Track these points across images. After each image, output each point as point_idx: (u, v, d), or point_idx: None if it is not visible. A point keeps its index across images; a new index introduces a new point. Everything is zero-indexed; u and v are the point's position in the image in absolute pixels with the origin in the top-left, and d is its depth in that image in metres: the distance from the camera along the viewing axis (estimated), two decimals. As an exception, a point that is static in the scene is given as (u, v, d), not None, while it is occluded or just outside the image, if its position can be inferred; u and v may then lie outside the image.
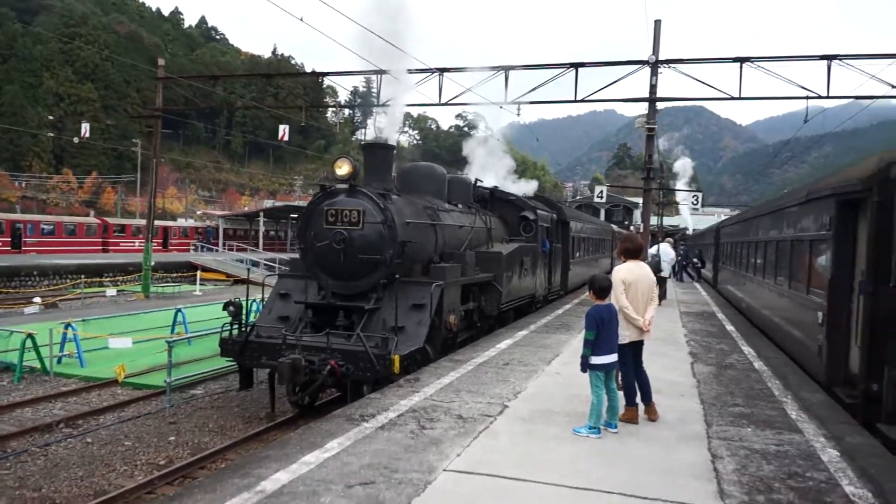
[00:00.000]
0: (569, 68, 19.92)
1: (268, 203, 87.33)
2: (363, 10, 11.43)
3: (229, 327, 9.40)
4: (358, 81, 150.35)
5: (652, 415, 6.29)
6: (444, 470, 4.70)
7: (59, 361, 12.34)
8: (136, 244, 44.03)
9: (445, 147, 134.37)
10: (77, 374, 11.97)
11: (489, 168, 22.79)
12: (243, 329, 9.53)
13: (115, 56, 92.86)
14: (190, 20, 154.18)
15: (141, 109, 76.47)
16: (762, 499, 4.34)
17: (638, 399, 6.32)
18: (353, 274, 9.70)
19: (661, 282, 20.08)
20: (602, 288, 5.98)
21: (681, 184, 62.70)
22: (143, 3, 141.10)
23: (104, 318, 14.81)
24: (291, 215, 52.58)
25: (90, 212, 67.14)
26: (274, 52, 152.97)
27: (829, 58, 18.65)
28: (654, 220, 37.48)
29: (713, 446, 5.48)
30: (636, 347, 6.39)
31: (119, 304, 22.03)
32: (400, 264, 9.87)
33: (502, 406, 6.56)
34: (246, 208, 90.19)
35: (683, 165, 64.83)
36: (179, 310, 15.16)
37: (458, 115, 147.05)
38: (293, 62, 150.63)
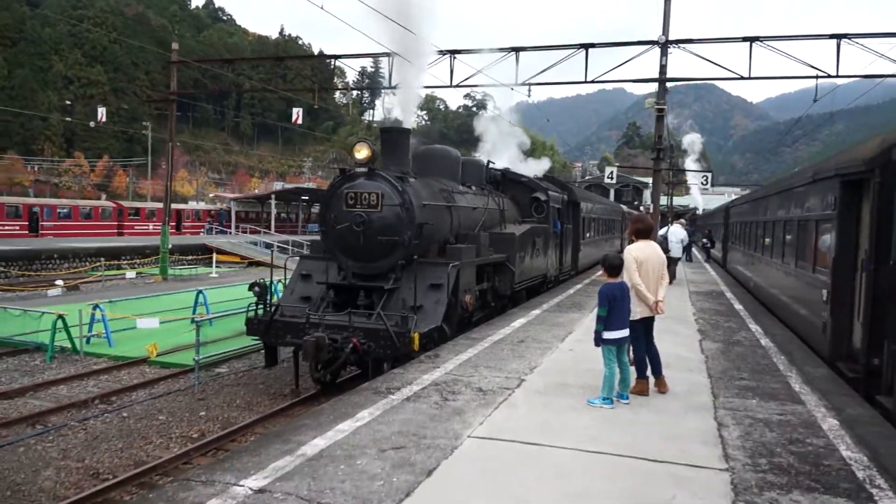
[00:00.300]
0: (579, 49, 20.06)
1: (278, 185, 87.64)
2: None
3: (255, 307, 9.80)
4: (366, 62, 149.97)
5: (662, 387, 6.64)
6: (469, 436, 5.08)
7: (87, 342, 12.80)
8: (151, 227, 44.57)
9: (454, 127, 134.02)
10: (106, 353, 12.45)
11: (500, 148, 23.12)
12: (268, 309, 9.94)
13: (124, 38, 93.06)
14: (197, 1, 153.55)
15: (152, 93, 76.60)
16: (764, 462, 4.69)
17: (649, 372, 6.66)
18: (372, 255, 10.04)
19: (671, 262, 20.69)
20: (614, 266, 6.30)
21: (690, 160, 62.64)
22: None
23: (128, 300, 15.25)
24: (303, 197, 52.97)
25: (101, 195, 67.75)
26: (281, 32, 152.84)
27: (839, 37, 18.72)
28: (663, 200, 37.54)
29: (719, 416, 5.83)
30: (647, 323, 6.72)
31: (138, 287, 22.48)
32: (417, 245, 10.20)
33: (519, 380, 6.93)
34: (256, 191, 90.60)
35: (692, 141, 64.59)
36: (200, 291, 15.59)
37: (467, 95, 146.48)
38: (301, 42, 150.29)
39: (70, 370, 11.36)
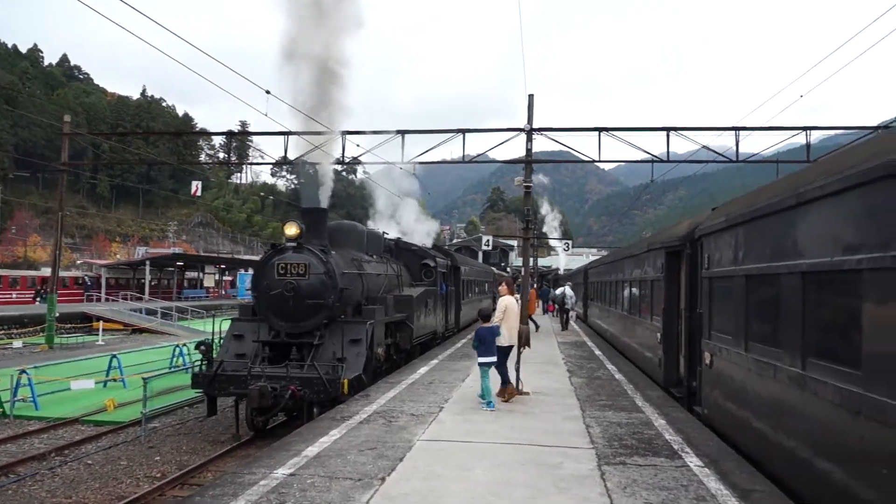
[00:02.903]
0: (457, 133, 23.03)
1: (140, 250, 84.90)
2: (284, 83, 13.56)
3: (200, 363, 11.24)
4: (234, 125, 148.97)
5: (512, 393, 9.79)
6: (418, 440, 7.09)
7: (12, 406, 13.39)
8: (14, 296, 42.59)
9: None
10: (34, 415, 13.12)
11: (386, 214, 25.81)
12: (202, 365, 11.35)
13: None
14: (51, 58, 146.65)
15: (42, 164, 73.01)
16: (616, 443, 7.07)
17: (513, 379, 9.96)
18: (301, 316, 11.81)
19: (566, 311, 25.99)
20: (486, 316, 9.97)
21: (550, 223, 69.02)
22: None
23: (47, 365, 15.76)
24: (177, 263, 52.43)
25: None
26: (143, 92, 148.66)
27: (668, 129, 22.92)
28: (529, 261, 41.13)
29: (586, 421, 8.22)
30: (506, 350, 9.98)
31: (25, 356, 22.34)
32: (339, 307, 12.12)
33: (439, 407, 9.01)
34: (118, 256, 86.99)
35: (552, 215, 72.04)
36: (114, 356, 16.39)
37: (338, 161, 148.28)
38: (164, 104, 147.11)
39: (7, 432, 12.02)
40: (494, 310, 10.37)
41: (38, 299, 42.98)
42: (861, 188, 4.58)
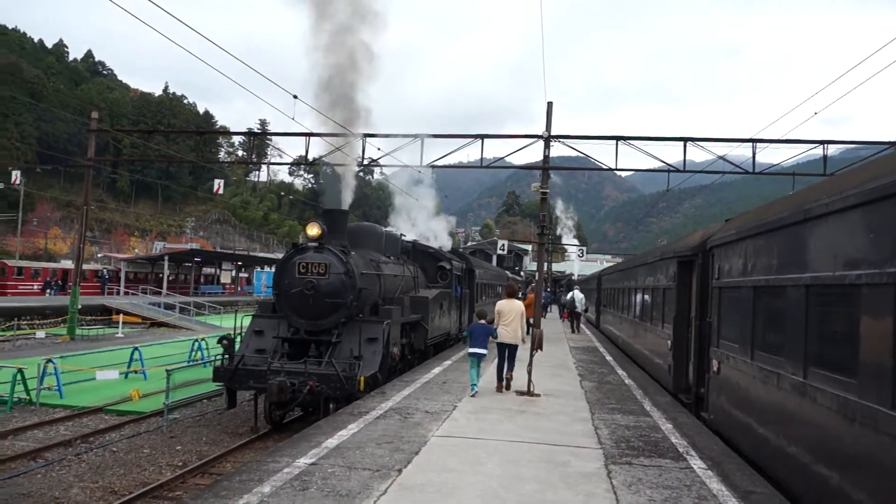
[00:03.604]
0: (476, 138, 23.34)
1: (158, 245, 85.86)
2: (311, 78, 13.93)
3: (221, 357, 11.62)
4: (253, 124, 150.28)
5: (507, 388, 10.83)
6: (433, 436, 7.40)
7: (38, 393, 13.84)
8: (35, 287, 43.38)
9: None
10: (59, 403, 13.57)
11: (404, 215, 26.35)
12: (223, 358, 11.73)
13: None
14: (75, 53, 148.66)
15: (70, 159, 74.29)
16: (623, 444, 7.33)
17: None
18: (320, 314, 12.15)
19: (577, 316, 26.82)
20: (480, 315, 11.65)
21: (565, 228, 69.00)
22: (25, 34, 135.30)
23: (73, 356, 16.24)
24: (195, 258, 53.11)
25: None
26: (165, 89, 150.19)
27: (686, 140, 23.08)
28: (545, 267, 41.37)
29: (595, 423, 8.48)
30: (508, 348, 10.98)
31: (47, 346, 22.89)
32: (356, 306, 12.45)
33: (453, 406, 9.31)
34: (136, 250, 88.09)
35: (568, 219, 71.60)
36: (136, 348, 16.84)
37: (358, 163, 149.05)
38: (186, 101, 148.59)
39: (34, 418, 12.46)
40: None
41: (48, 291, 43.53)
42: (859, 208, 4.83)
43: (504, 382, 10.99)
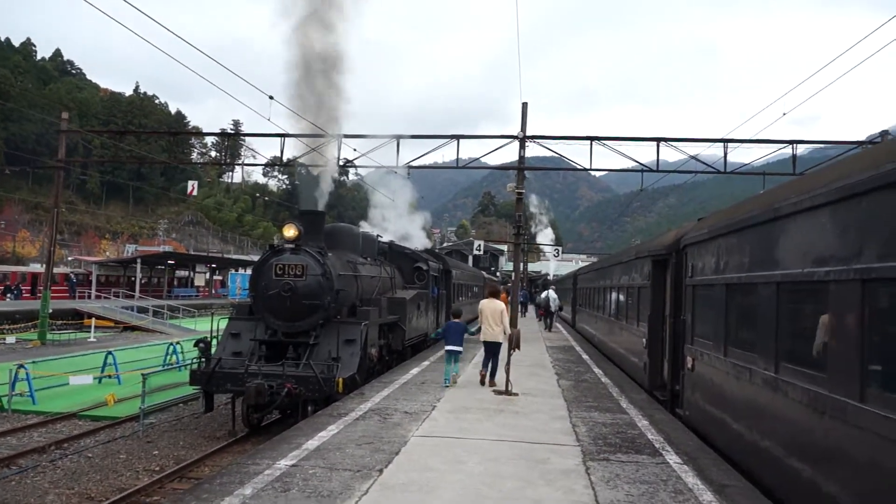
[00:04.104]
0: (451, 139, 23.41)
1: (130, 248, 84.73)
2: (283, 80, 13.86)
3: (198, 360, 11.53)
4: (226, 125, 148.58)
5: (492, 384, 11.26)
6: (413, 436, 7.43)
7: (9, 400, 13.60)
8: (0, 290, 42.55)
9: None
10: (31, 409, 13.35)
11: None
12: (200, 362, 11.64)
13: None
14: (43, 52, 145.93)
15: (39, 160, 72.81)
16: (601, 441, 7.44)
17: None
18: (297, 316, 12.11)
19: (551, 315, 27.63)
20: (455, 313, 12.80)
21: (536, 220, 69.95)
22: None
23: (44, 361, 15.97)
24: (169, 261, 52.49)
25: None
26: (136, 89, 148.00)
27: (659, 140, 23.38)
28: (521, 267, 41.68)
29: (573, 421, 8.58)
30: (490, 346, 11.60)
31: (18, 351, 22.49)
32: (334, 308, 12.43)
33: (432, 406, 9.35)
34: (107, 253, 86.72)
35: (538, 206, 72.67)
36: (110, 352, 16.63)
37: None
38: (157, 101, 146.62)
39: (6, 425, 12.23)
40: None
41: (8, 296, 42.25)
42: (827, 207, 4.97)
43: (485, 378, 11.56)
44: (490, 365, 11.60)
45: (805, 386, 5.17)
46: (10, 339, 23.90)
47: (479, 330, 12.36)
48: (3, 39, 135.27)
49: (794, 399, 5.36)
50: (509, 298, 19.24)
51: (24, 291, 44.18)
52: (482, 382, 11.51)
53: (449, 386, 11.22)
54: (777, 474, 5.78)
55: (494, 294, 12.60)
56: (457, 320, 12.17)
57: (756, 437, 6.25)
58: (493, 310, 11.78)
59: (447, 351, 11.59)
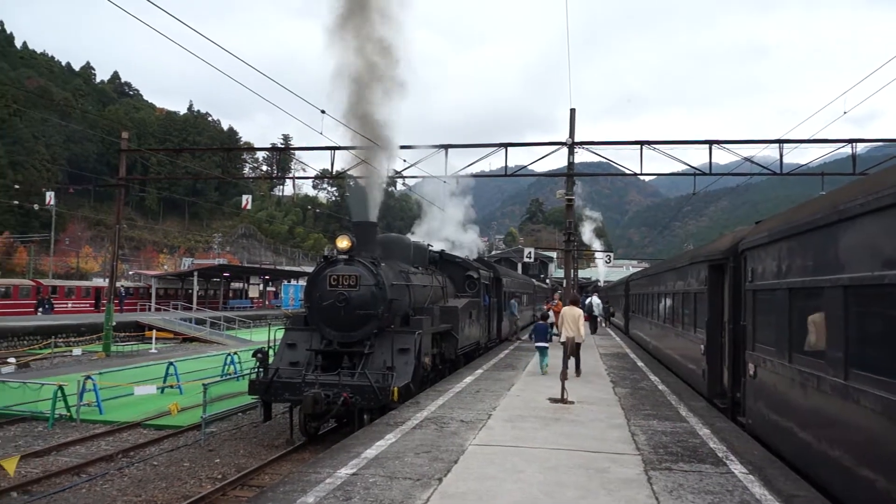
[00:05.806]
0: (500, 147, 23.41)
1: (186, 261, 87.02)
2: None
3: (256, 370, 11.78)
4: (276, 139, 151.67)
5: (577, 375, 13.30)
6: (470, 444, 7.44)
7: (78, 410, 14.13)
8: (70, 305, 44.21)
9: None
10: (99, 419, 13.84)
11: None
12: (258, 372, 11.88)
13: (24, 110, 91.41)
14: (102, 75, 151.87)
15: (102, 178, 75.65)
16: (661, 450, 7.30)
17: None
18: (351, 326, 12.27)
19: (594, 319, 28.10)
20: (544, 317, 15.27)
21: (588, 230, 69.27)
22: (53, 58, 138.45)
23: (109, 372, 16.56)
24: (224, 274, 53.77)
25: None
26: (190, 108, 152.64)
27: (711, 142, 22.94)
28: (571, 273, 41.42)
29: (632, 429, 8.45)
30: (570, 345, 13.32)
31: (83, 363, 23.34)
32: (387, 317, 12.54)
33: (488, 415, 9.34)
34: (165, 267, 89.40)
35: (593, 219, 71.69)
36: (171, 363, 17.12)
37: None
38: (210, 119, 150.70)
39: (75, 434, 12.73)
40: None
41: (40, 310, 42.29)
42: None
43: (563, 371, 12.03)
44: (573, 361, 13.50)
45: (877, 393, 4.99)
46: (77, 350, 24.86)
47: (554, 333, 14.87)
48: (64, 64, 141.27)
49: (866, 406, 5.17)
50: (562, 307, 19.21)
51: (54, 305, 43.77)
52: (565, 376, 11.36)
53: (545, 373, 13.85)
54: (849, 484, 5.59)
55: (574, 302, 15.15)
56: (542, 322, 14.85)
57: (825, 446, 6.05)
58: (572, 316, 14.17)
59: (537, 347, 14.38)
